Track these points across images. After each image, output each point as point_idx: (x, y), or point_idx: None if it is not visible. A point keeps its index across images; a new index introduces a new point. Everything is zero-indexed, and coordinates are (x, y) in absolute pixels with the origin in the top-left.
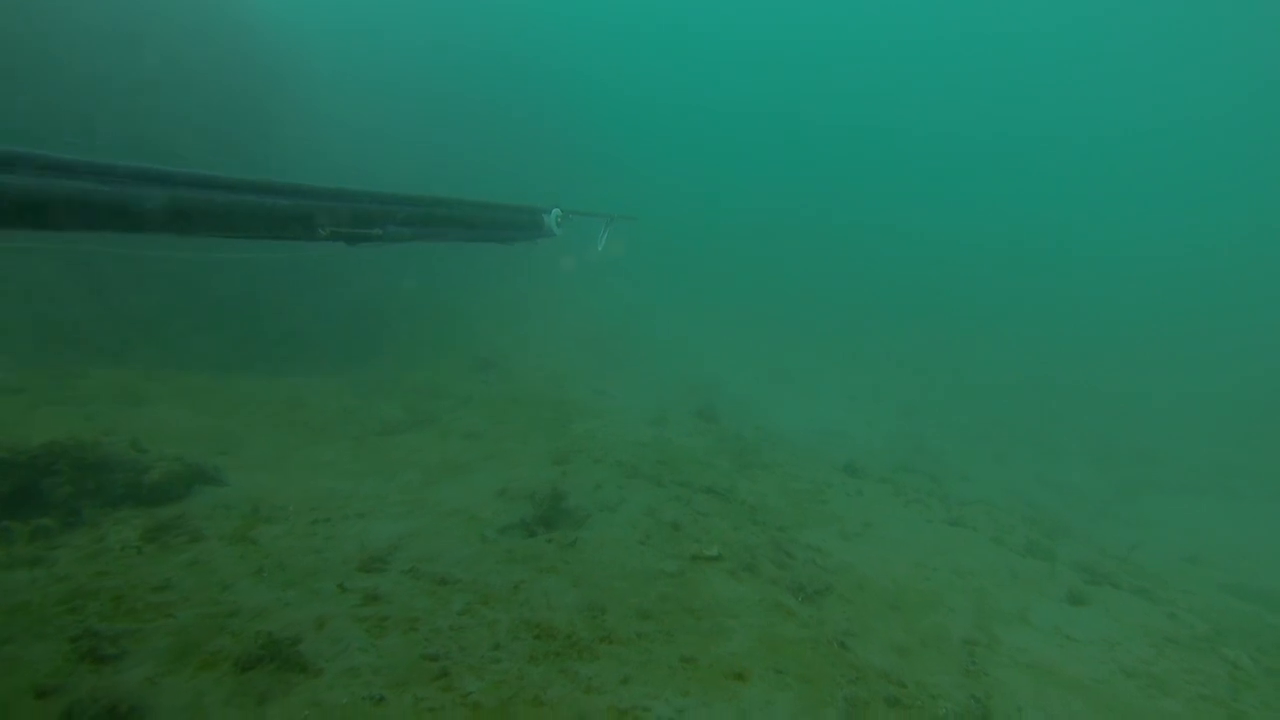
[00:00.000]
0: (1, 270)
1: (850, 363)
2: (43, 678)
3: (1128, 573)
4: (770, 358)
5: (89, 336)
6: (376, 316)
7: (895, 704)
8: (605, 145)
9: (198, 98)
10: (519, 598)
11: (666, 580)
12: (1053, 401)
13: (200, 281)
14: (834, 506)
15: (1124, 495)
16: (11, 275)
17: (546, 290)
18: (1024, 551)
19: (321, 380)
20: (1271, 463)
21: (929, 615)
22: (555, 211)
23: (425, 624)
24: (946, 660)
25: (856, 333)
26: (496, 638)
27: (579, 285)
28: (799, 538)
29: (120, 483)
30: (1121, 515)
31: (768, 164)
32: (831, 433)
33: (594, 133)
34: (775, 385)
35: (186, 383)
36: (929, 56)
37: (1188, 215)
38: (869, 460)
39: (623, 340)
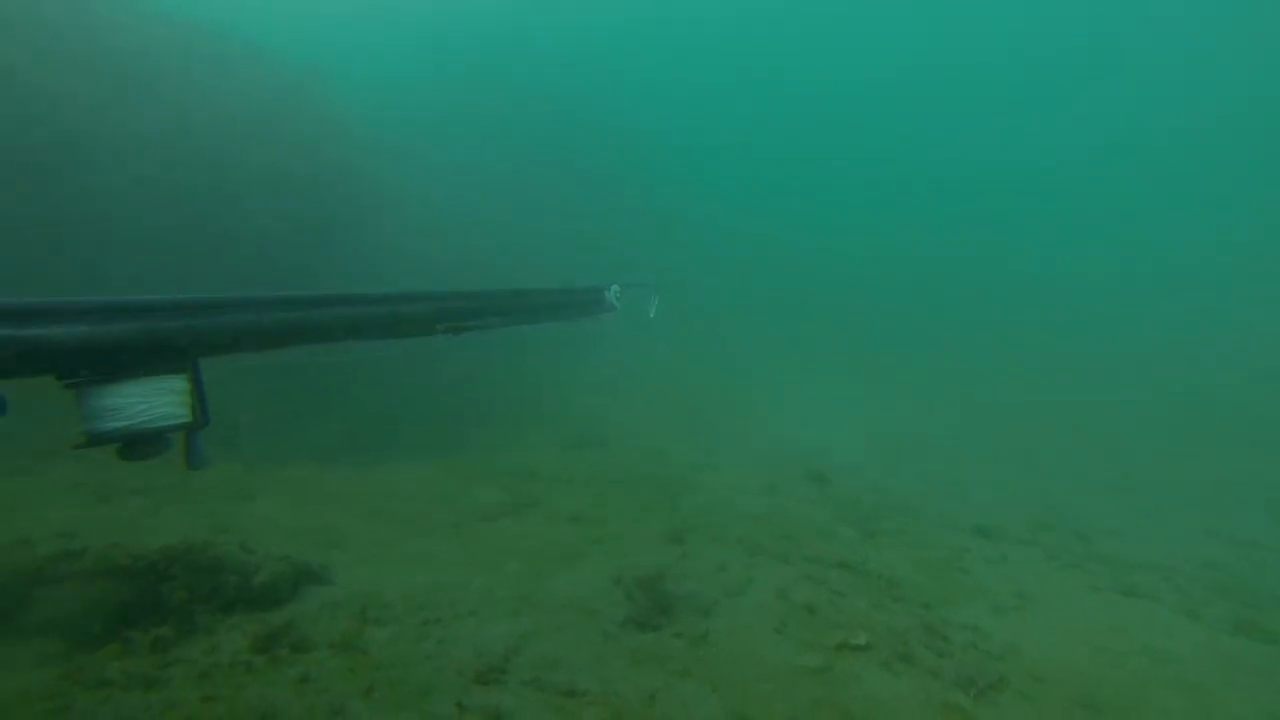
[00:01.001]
0: None
1: (954, 410)
2: None
3: None
4: (867, 409)
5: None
6: (468, 398)
7: None
8: (667, 200)
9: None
10: (656, 711)
11: (813, 679)
12: (1204, 436)
13: (298, 371)
14: (977, 576)
15: None
16: None
17: (632, 360)
18: (1234, 629)
19: (416, 467)
20: None
21: (1136, 715)
22: (614, 288)
23: None
24: None
25: (957, 378)
26: None
27: (663, 353)
28: (949, 616)
29: (232, 585)
30: None
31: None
32: (949, 492)
33: (654, 187)
34: (877, 442)
35: (288, 476)
36: (934, 70)
37: None
38: (1000, 520)
39: (717, 406)
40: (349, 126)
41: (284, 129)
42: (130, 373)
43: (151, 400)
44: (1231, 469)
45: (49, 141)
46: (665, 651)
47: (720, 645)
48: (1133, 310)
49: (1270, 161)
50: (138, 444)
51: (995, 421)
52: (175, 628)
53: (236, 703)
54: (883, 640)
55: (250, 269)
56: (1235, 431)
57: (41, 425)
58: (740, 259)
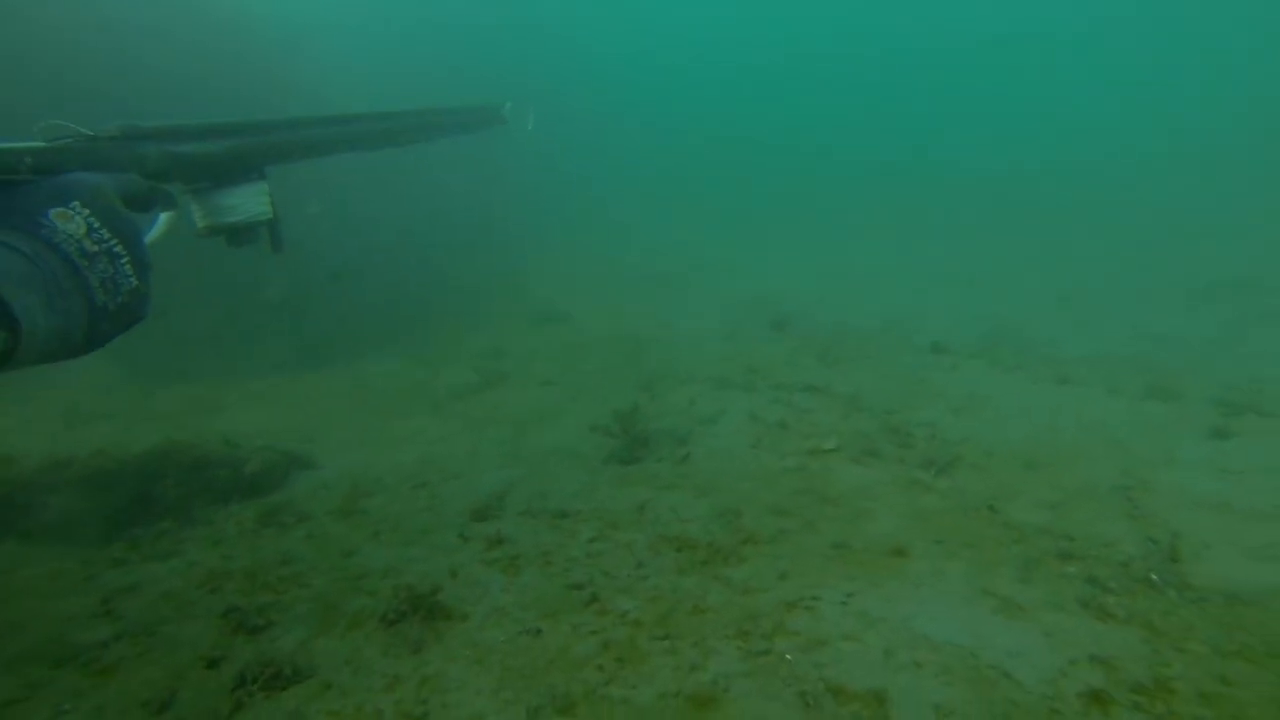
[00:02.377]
0: None
1: (903, 250)
2: (206, 650)
3: (1269, 400)
4: (825, 258)
5: (154, 359)
6: (425, 294)
7: (1069, 557)
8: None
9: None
10: (647, 517)
11: (791, 475)
12: (1129, 251)
13: (246, 295)
14: (934, 385)
15: (1231, 333)
16: None
17: (591, 233)
18: (1146, 396)
19: (383, 362)
20: None
21: (1069, 469)
22: (509, 104)
23: (559, 556)
24: (1105, 508)
25: (904, 215)
26: (636, 557)
27: (621, 223)
28: (910, 419)
29: (223, 478)
30: (1235, 352)
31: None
32: (905, 322)
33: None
34: (836, 285)
35: (253, 387)
36: None
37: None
38: (952, 340)
39: (675, 272)
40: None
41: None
42: (231, 180)
43: (250, 200)
44: (1156, 270)
45: None
46: (650, 474)
47: (701, 463)
48: (1073, 128)
49: None
50: (242, 233)
51: (946, 250)
52: (176, 520)
53: (255, 556)
54: (851, 442)
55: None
56: (1161, 233)
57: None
58: (693, 126)
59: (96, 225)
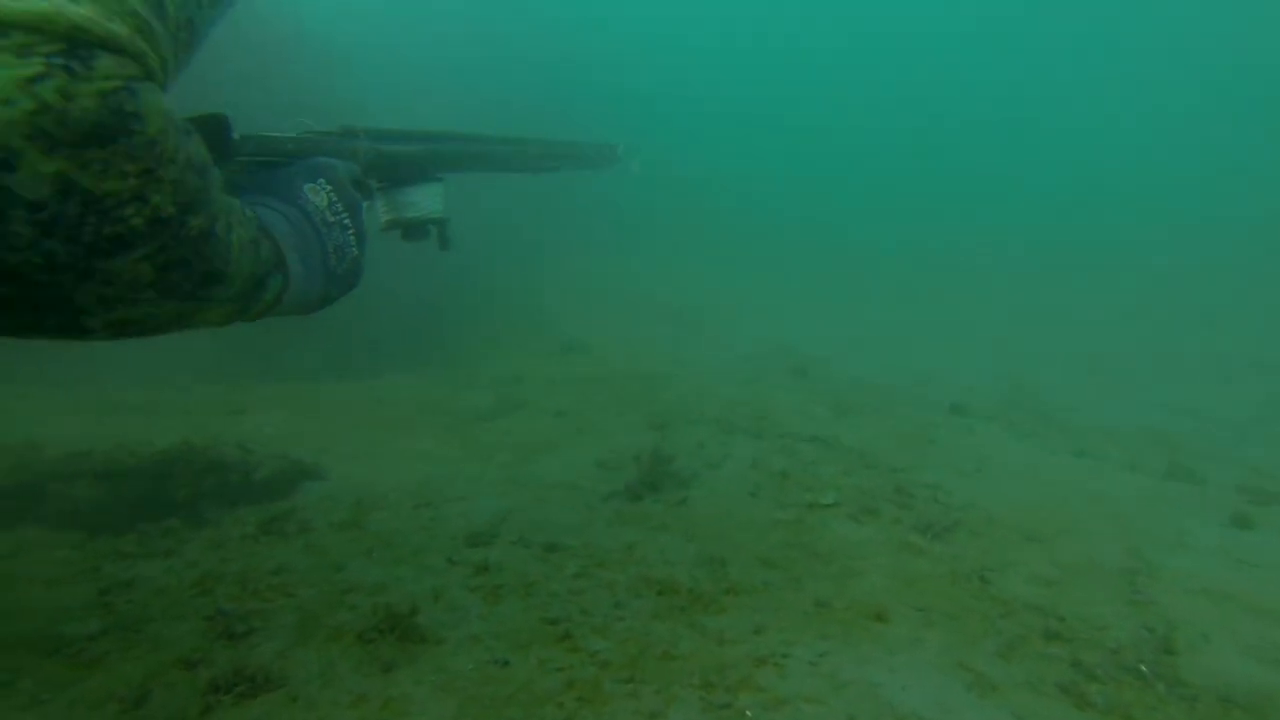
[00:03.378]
0: None
1: (928, 298)
2: (186, 652)
3: None
4: (850, 308)
5: (192, 357)
6: (451, 316)
7: (1055, 637)
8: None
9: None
10: (634, 557)
11: (785, 528)
12: (1160, 321)
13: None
14: (945, 446)
15: (1265, 413)
16: None
17: (616, 267)
18: (1166, 476)
19: (405, 378)
20: None
21: (1071, 544)
22: (621, 145)
23: (541, 589)
24: (1103, 590)
25: (929, 270)
26: (616, 597)
27: (647, 264)
28: (915, 478)
29: (234, 482)
30: (1268, 434)
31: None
32: (926, 378)
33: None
34: (859, 333)
35: (278, 391)
36: None
37: None
38: (972, 400)
39: (697, 310)
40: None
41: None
42: (414, 180)
43: (428, 199)
44: (1187, 339)
45: None
46: (645, 514)
47: (698, 507)
48: (1109, 203)
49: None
50: (416, 229)
51: (973, 312)
52: (183, 520)
53: (249, 562)
54: (850, 498)
55: None
56: (1188, 315)
57: (41, 354)
58: (721, 168)
59: (335, 200)
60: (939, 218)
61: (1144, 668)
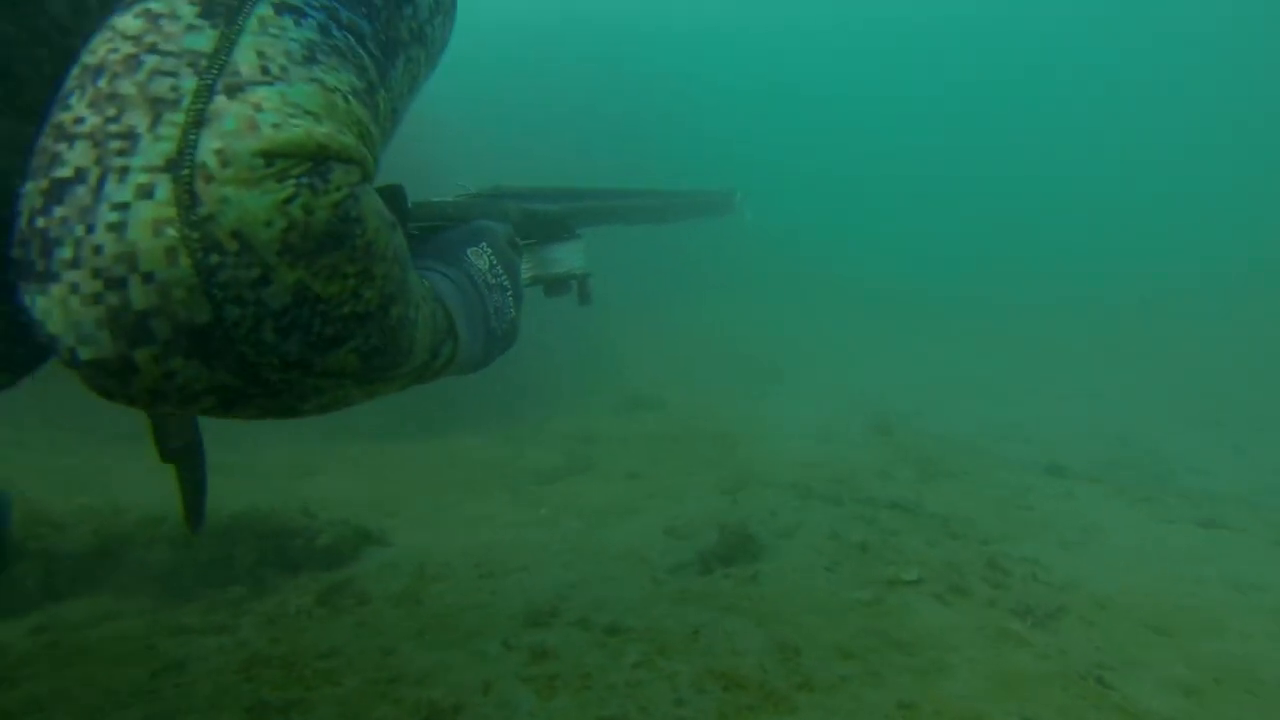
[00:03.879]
0: None
1: (1019, 346)
2: None
3: None
4: (935, 357)
5: (268, 423)
6: (520, 371)
7: None
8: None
9: None
10: (699, 644)
11: (863, 610)
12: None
13: None
14: (1042, 512)
15: None
16: None
17: (692, 316)
18: None
19: (471, 438)
20: None
21: (1213, 639)
22: (739, 193)
23: (598, 681)
24: (1262, 706)
25: (1021, 313)
26: (678, 692)
27: (726, 313)
28: (1009, 550)
29: (298, 547)
30: None
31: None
32: (1018, 434)
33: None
34: (946, 383)
35: (347, 452)
36: None
37: None
38: (1070, 459)
39: (778, 360)
40: None
41: None
42: (558, 237)
43: (571, 255)
44: None
45: None
46: (713, 591)
47: (768, 584)
48: (1215, 240)
49: None
50: (559, 285)
51: (1068, 360)
52: (247, 587)
53: (299, 643)
54: (936, 574)
55: None
56: None
57: (121, 415)
58: (796, 208)
59: (495, 263)
60: (1034, 259)
61: None
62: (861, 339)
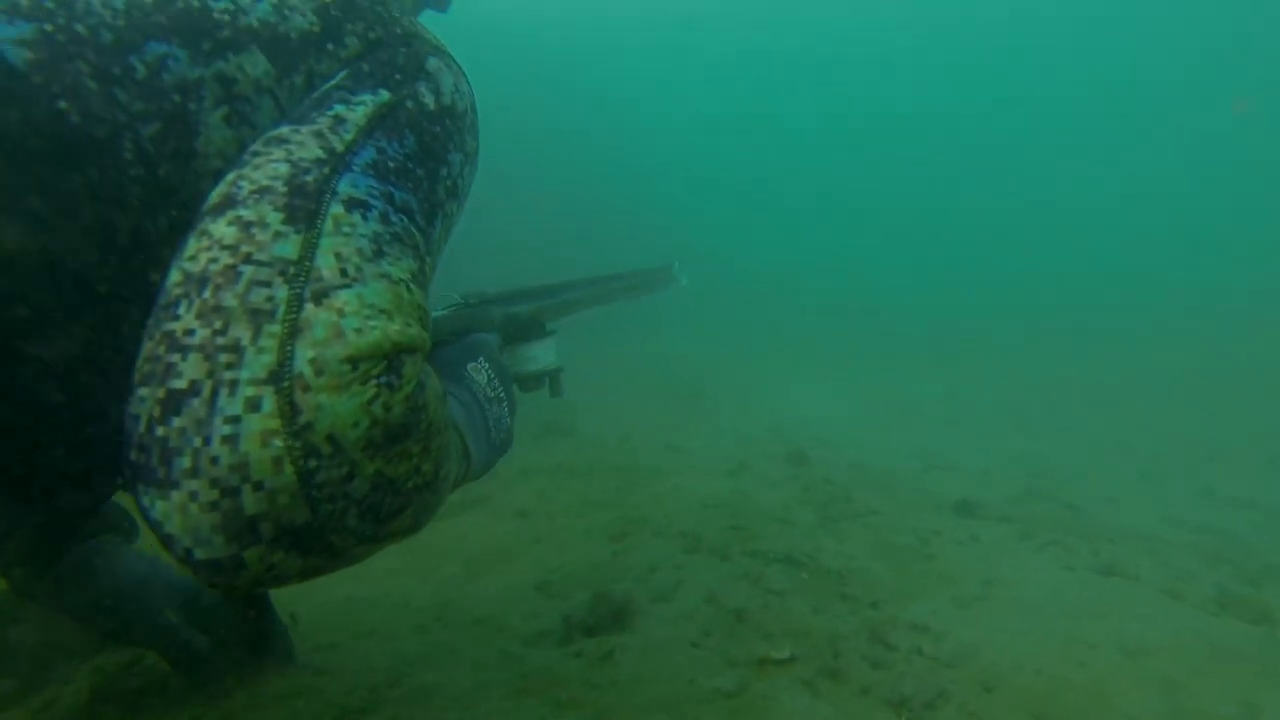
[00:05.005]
0: None
1: (943, 373)
2: None
3: None
4: (867, 386)
5: None
6: None
7: None
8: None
9: None
10: None
11: (720, 706)
12: (1205, 392)
13: None
14: (944, 562)
15: None
16: None
17: (613, 348)
18: (1217, 608)
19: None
20: None
21: None
22: (676, 264)
23: None
24: None
25: (941, 344)
26: None
27: (645, 341)
28: (900, 615)
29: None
30: None
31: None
32: (937, 463)
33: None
34: (882, 413)
35: None
36: None
37: None
38: (985, 493)
39: (715, 390)
40: None
41: None
42: (532, 336)
43: (545, 352)
44: (1236, 421)
45: None
46: (558, 676)
47: (623, 666)
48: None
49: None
50: (533, 381)
51: (993, 389)
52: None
53: None
54: (813, 651)
55: None
56: (1242, 382)
57: None
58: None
59: (492, 376)
60: (972, 288)
61: None
62: (801, 367)
